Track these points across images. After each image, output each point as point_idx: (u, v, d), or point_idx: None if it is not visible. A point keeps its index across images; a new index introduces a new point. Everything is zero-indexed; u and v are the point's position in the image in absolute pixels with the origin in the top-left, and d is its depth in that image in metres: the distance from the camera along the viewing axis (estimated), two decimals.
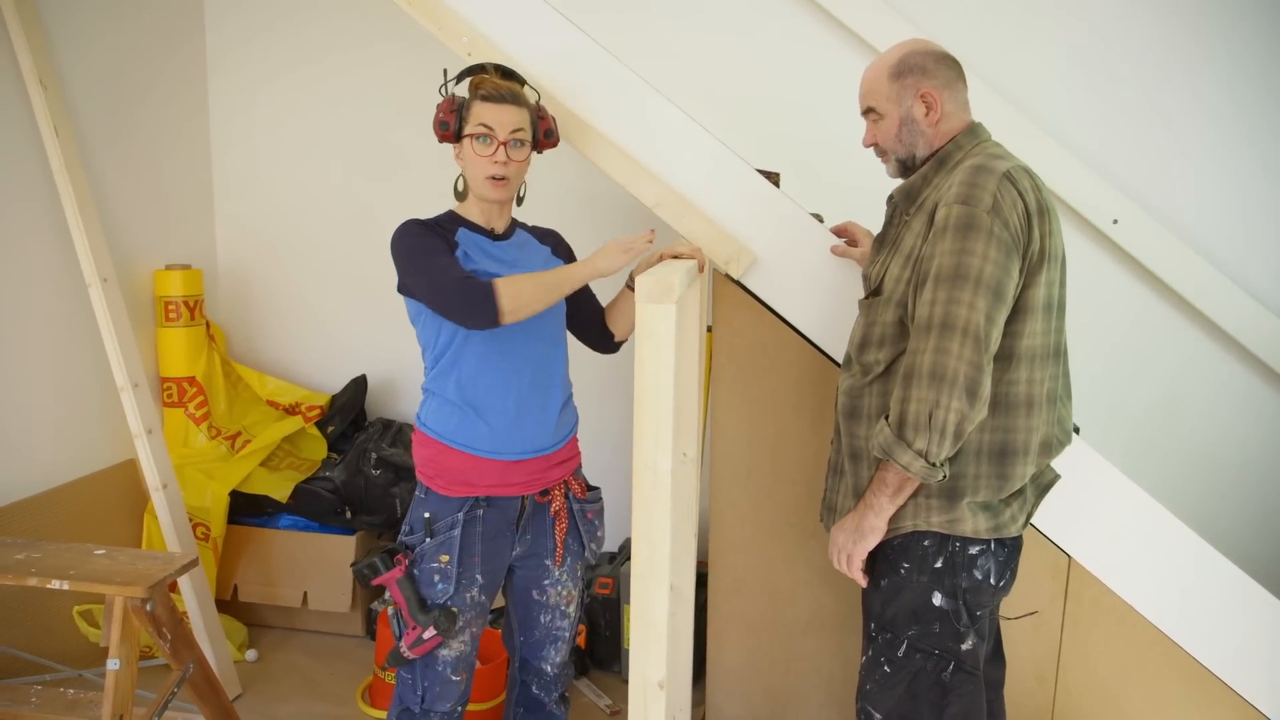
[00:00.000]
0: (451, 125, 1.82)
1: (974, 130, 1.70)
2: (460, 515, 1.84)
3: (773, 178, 2.23)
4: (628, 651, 2.87)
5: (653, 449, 1.61)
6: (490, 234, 1.91)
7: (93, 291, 2.60)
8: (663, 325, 1.57)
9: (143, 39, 3.05)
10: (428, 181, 3.21)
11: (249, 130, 3.38)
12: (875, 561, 1.72)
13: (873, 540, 1.65)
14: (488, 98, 1.82)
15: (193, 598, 2.63)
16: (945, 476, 1.57)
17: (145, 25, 3.06)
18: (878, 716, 1.73)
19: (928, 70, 1.67)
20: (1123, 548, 2.08)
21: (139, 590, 1.88)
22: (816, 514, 2.26)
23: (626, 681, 2.86)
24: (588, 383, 3.30)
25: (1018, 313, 1.56)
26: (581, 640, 2.89)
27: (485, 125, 1.81)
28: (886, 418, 1.57)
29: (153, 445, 2.63)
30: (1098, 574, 2.10)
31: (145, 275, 3.03)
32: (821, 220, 2.21)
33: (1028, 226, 1.54)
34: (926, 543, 1.64)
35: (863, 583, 1.72)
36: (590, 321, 2.09)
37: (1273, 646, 2.03)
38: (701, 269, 1.99)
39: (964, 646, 1.66)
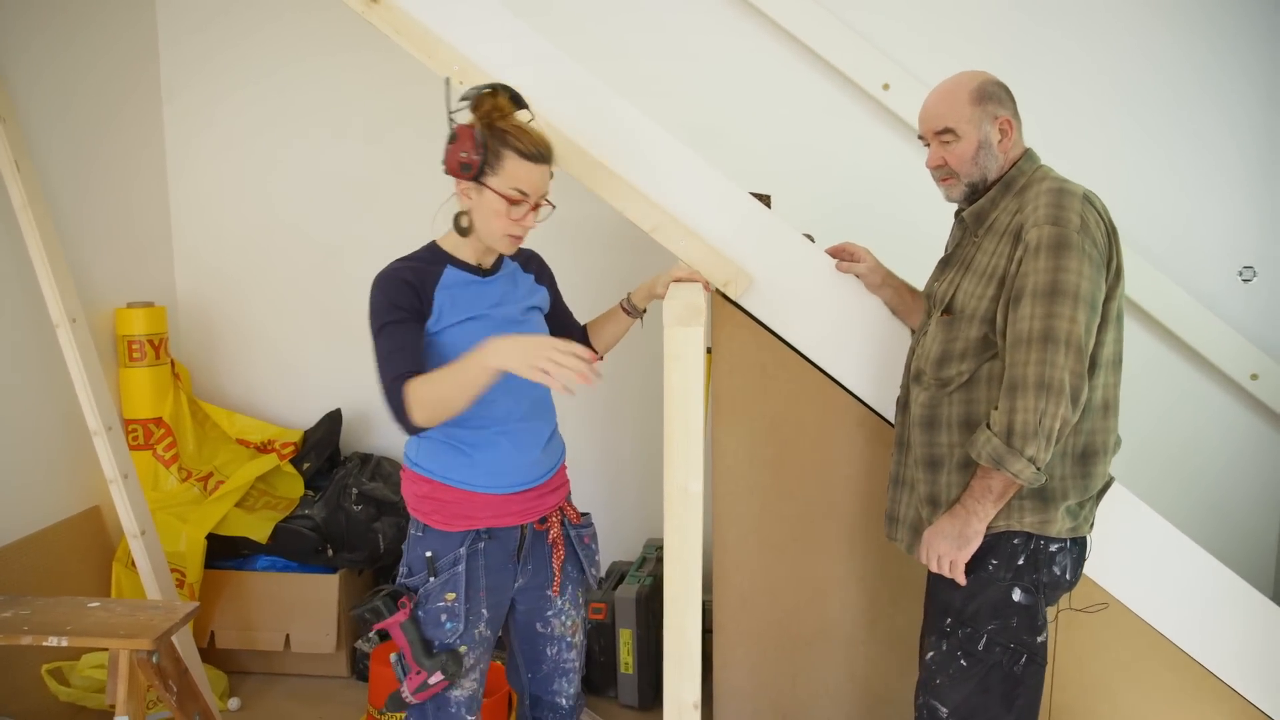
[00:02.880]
0: (475, 167, 1.70)
1: (1030, 156, 1.82)
2: (463, 550, 1.78)
3: (765, 200, 2.28)
4: (625, 676, 2.87)
5: (683, 472, 1.63)
6: (478, 270, 1.83)
7: (60, 332, 2.49)
8: (691, 348, 1.59)
9: (97, 71, 2.95)
10: (392, 209, 3.20)
11: (205, 161, 3.30)
12: None
13: (975, 545, 1.71)
14: (527, 155, 1.71)
15: (177, 648, 2.53)
16: (1045, 480, 1.66)
17: (99, 57, 2.97)
18: (944, 711, 1.77)
19: (1003, 100, 1.78)
20: (1113, 547, 2.17)
21: (145, 642, 1.80)
22: (818, 529, 2.30)
23: (624, 706, 2.87)
24: (566, 412, 3.30)
25: (1100, 323, 1.67)
26: None
27: (521, 191, 1.72)
28: (989, 426, 1.63)
29: (129, 490, 2.53)
30: (1089, 573, 2.19)
31: (106, 314, 2.92)
32: (813, 241, 2.27)
33: (1109, 244, 1.66)
34: (1016, 541, 1.72)
35: (964, 583, 1.76)
36: (571, 338, 2.03)
37: (1259, 638, 2.14)
38: (706, 289, 2.03)
39: (1039, 639, 1.74)
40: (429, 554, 1.77)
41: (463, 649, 1.77)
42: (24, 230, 2.47)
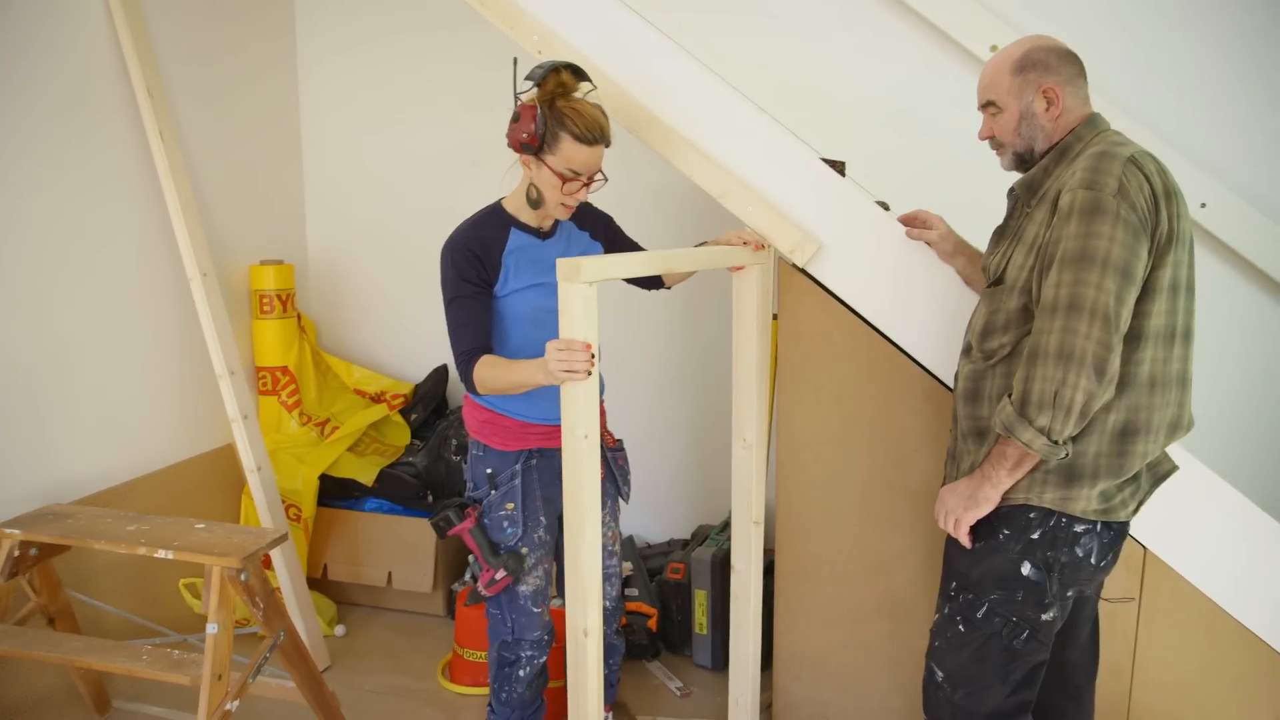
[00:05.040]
0: (534, 147, 1.88)
1: (1093, 121, 1.71)
2: (518, 466, 2.05)
3: (838, 166, 2.24)
4: (699, 637, 2.92)
5: (573, 422, 1.69)
6: (538, 232, 2.04)
7: (194, 285, 2.77)
8: (577, 301, 1.65)
9: (237, 44, 3.22)
10: (501, 172, 3.32)
11: (336, 131, 3.54)
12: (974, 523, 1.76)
13: (985, 510, 1.69)
14: (581, 139, 1.87)
15: (285, 574, 2.79)
16: (1068, 455, 1.59)
17: (240, 33, 3.23)
18: (940, 674, 1.77)
19: (1050, 66, 1.69)
20: (1202, 539, 2.03)
21: (234, 561, 2.01)
22: (882, 501, 2.27)
23: (698, 666, 2.93)
24: (664, 375, 3.36)
25: (1145, 293, 1.57)
26: (653, 623, 2.95)
27: (574, 171, 1.89)
28: (1009, 396, 1.60)
29: (248, 430, 2.80)
30: (1175, 566, 2.06)
31: (241, 270, 3.21)
32: (888, 209, 2.21)
33: (1155, 209, 1.55)
34: (1031, 515, 1.66)
35: (968, 545, 1.74)
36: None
37: None
38: (758, 248, 2.10)
39: (1044, 617, 1.69)
40: (489, 471, 2.06)
41: (524, 550, 2.07)
42: (165, 194, 2.75)
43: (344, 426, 3.19)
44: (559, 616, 2.40)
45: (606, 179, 1.98)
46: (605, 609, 2.22)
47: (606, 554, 2.21)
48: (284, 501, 2.98)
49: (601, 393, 2.19)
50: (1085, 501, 1.63)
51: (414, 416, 3.33)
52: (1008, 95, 1.71)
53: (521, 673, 2.15)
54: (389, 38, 3.42)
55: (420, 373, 3.50)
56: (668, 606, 2.98)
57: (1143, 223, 1.53)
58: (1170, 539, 2.04)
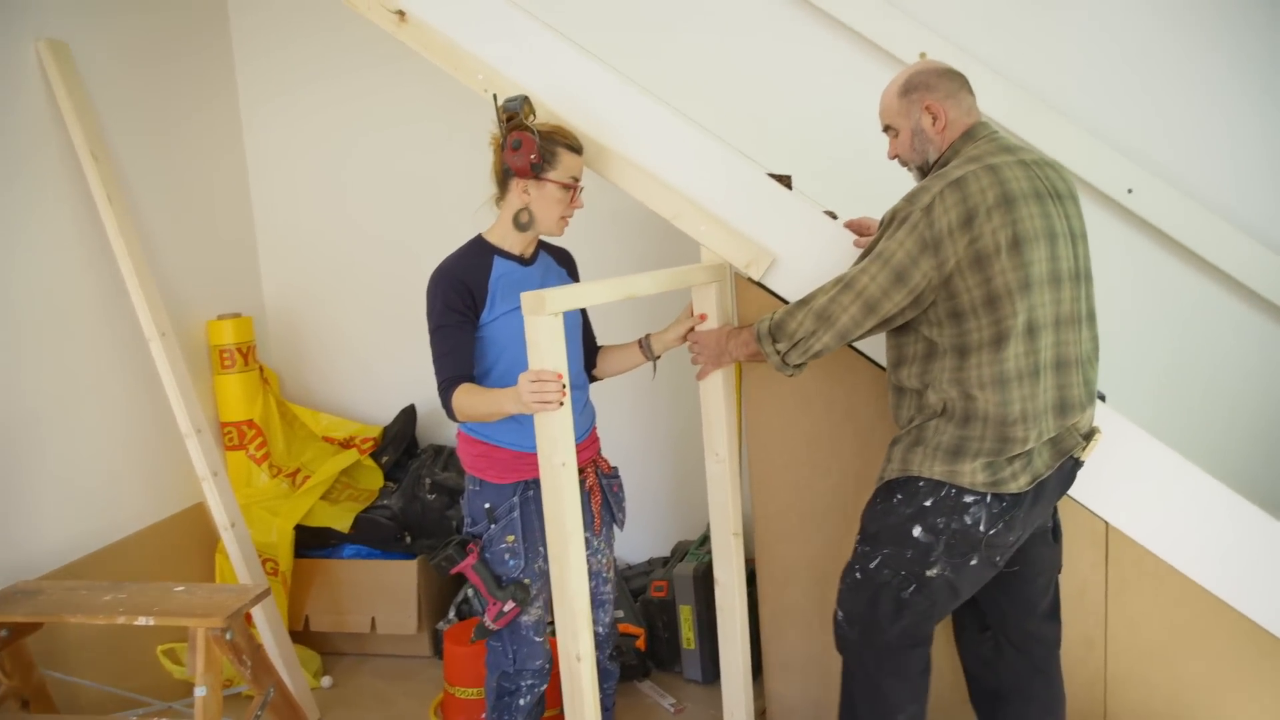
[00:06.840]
0: (539, 165, 2.01)
1: (970, 133, 1.88)
2: (516, 499, 2.09)
3: (785, 180, 2.31)
4: (687, 651, 2.95)
5: (560, 451, 1.79)
6: (521, 259, 2.11)
7: (153, 345, 2.75)
8: (541, 335, 1.76)
9: (177, 97, 3.21)
10: (456, 208, 3.34)
11: (283, 179, 3.54)
12: (878, 487, 1.96)
13: (725, 364, 2.16)
14: (573, 149, 2.05)
15: (267, 629, 2.76)
16: (793, 374, 1.96)
17: (179, 85, 3.23)
18: (840, 615, 1.96)
19: (931, 85, 1.88)
20: (1159, 509, 2.11)
21: (218, 620, 2.00)
22: (855, 501, 2.32)
23: (688, 681, 2.95)
24: (646, 397, 3.40)
25: (991, 301, 1.74)
26: (641, 643, 2.97)
27: (575, 178, 2.05)
28: (774, 312, 1.94)
29: (219, 487, 2.78)
30: (1136, 538, 2.14)
31: (199, 326, 3.19)
32: (835, 217, 2.28)
33: (966, 225, 1.71)
34: (921, 484, 1.84)
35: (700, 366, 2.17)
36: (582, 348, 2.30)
37: None
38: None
39: (929, 573, 1.85)
40: (487, 505, 2.10)
41: (527, 581, 2.09)
42: (117, 255, 2.74)
43: (315, 475, 3.18)
44: (554, 645, 2.42)
45: (583, 187, 2.11)
46: (599, 634, 2.25)
47: (600, 580, 2.24)
48: (261, 556, 2.95)
49: (593, 421, 2.25)
50: (971, 474, 1.79)
51: (385, 459, 3.33)
52: (899, 116, 1.91)
53: (522, 701, 2.17)
54: (328, 81, 3.44)
55: (388, 414, 3.50)
56: (654, 625, 3.01)
57: (935, 241, 1.73)
58: (1127, 511, 2.13)
